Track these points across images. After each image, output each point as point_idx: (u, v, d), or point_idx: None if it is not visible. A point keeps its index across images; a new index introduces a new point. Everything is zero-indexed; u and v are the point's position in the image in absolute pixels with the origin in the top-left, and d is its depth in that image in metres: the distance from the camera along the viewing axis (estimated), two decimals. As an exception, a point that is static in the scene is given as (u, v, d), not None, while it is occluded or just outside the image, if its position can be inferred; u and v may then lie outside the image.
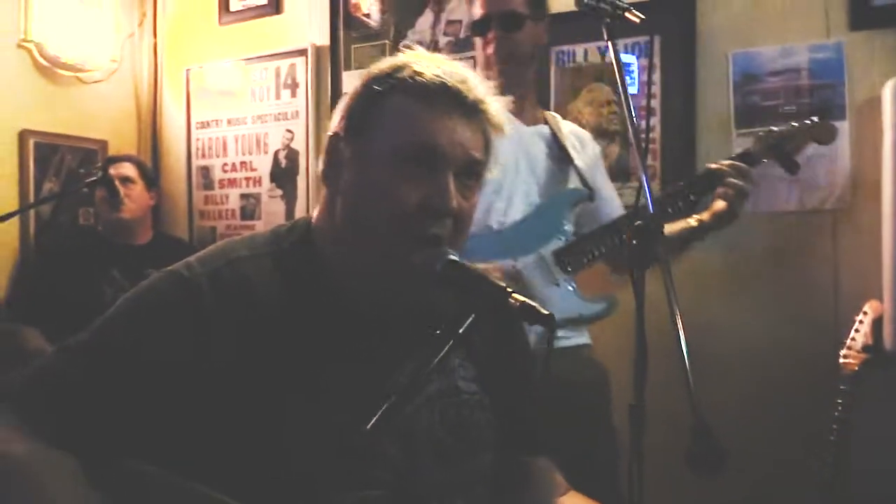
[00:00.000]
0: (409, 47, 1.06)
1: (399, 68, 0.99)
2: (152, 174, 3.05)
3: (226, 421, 0.93)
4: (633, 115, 1.49)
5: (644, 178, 1.49)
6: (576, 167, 1.95)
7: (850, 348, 1.99)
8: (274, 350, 0.95)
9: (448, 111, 0.97)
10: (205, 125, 3.35)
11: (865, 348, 1.98)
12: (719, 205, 1.82)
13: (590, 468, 1.51)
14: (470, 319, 0.82)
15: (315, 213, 1.08)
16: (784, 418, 2.18)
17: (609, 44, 1.57)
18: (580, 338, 1.97)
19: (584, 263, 1.86)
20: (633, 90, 2.43)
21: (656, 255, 1.49)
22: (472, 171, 1.00)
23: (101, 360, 0.94)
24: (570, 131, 2.05)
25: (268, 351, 0.95)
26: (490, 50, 1.90)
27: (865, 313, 2.01)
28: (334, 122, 1.04)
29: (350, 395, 0.93)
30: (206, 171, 3.35)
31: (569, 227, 1.90)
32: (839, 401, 1.95)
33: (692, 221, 1.86)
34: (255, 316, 0.96)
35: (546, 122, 2.01)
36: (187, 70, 3.38)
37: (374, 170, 0.98)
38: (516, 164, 1.91)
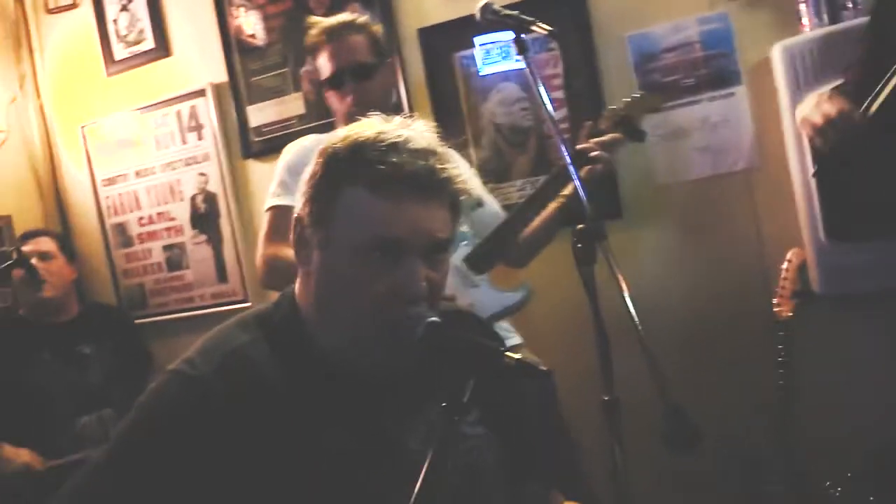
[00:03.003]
0: (364, 116, 1.05)
1: (355, 151, 0.98)
2: (70, 245, 2.91)
3: None
4: (558, 130, 1.56)
5: (577, 182, 1.56)
6: None
7: (781, 296, 2.12)
8: (285, 429, 0.97)
9: (406, 199, 0.96)
10: (111, 181, 3.21)
11: (795, 294, 2.12)
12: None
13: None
14: (470, 386, 0.84)
15: (296, 286, 1.09)
16: (730, 370, 2.30)
17: (522, 57, 1.63)
18: (511, 339, 2.10)
19: (494, 263, 2.02)
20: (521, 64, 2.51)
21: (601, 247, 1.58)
22: (439, 249, 1.01)
23: (125, 476, 0.95)
24: None
25: (279, 431, 0.97)
26: (349, 101, 2.02)
27: (790, 261, 2.15)
28: (298, 202, 1.04)
29: (363, 461, 0.98)
30: (121, 227, 3.22)
31: (469, 232, 2.05)
32: (779, 346, 2.08)
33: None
34: (265, 400, 0.98)
35: None
36: (82, 127, 3.22)
37: (339, 262, 0.98)
38: None
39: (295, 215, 1.04)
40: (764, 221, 2.32)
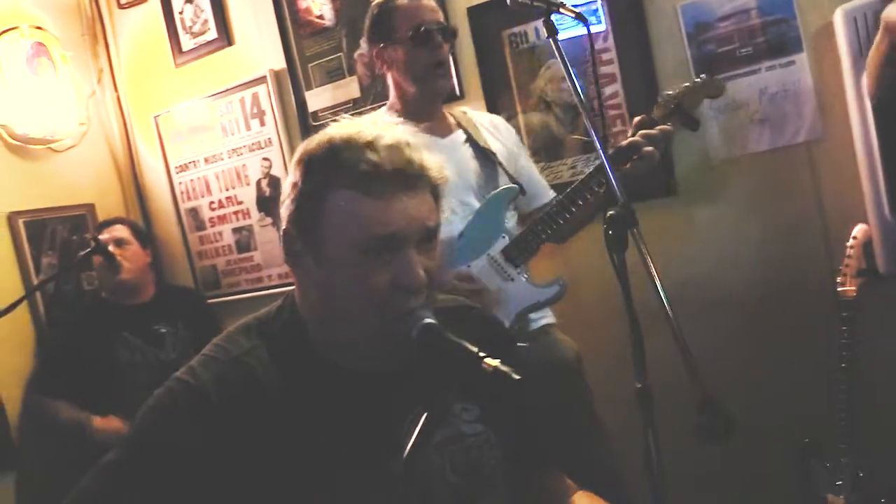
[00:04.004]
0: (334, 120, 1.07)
1: (332, 155, 0.99)
2: (144, 232, 3.08)
3: None
4: (589, 109, 1.52)
5: (608, 168, 1.52)
6: (501, 165, 2.07)
7: (844, 275, 2.02)
8: (282, 433, 1.01)
9: (393, 193, 0.97)
10: (184, 168, 3.37)
11: (860, 273, 2.02)
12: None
13: (575, 446, 1.59)
14: (453, 390, 0.85)
15: (296, 294, 1.12)
16: (792, 351, 2.22)
17: (551, 40, 1.60)
18: (545, 318, 2.09)
19: (531, 256, 1.97)
20: (600, 27, 2.42)
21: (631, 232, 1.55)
22: (430, 237, 1.03)
23: (130, 478, 1.00)
24: (481, 122, 2.15)
25: (277, 436, 1.01)
26: (438, 58, 2.00)
27: (855, 238, 2.04)
28: (283, 214, 1.05)
29: (364, 463, 1.01)
30: (194, 212, 3.39)
31: (510, 224, 2.03)
32: (843, 327, 1.99)
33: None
34: (262, 406, 1.02)
35: (459, 125, 2.10)
36: (155, 117, 3.39)
37: (336, 267, 1.00)
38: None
39: (282, 230, 1.06)
40: (827, 197, 2.20)
